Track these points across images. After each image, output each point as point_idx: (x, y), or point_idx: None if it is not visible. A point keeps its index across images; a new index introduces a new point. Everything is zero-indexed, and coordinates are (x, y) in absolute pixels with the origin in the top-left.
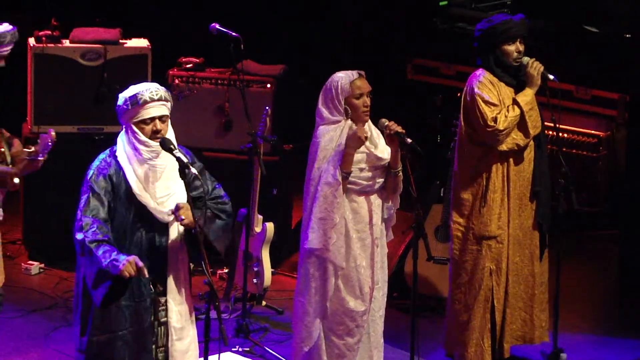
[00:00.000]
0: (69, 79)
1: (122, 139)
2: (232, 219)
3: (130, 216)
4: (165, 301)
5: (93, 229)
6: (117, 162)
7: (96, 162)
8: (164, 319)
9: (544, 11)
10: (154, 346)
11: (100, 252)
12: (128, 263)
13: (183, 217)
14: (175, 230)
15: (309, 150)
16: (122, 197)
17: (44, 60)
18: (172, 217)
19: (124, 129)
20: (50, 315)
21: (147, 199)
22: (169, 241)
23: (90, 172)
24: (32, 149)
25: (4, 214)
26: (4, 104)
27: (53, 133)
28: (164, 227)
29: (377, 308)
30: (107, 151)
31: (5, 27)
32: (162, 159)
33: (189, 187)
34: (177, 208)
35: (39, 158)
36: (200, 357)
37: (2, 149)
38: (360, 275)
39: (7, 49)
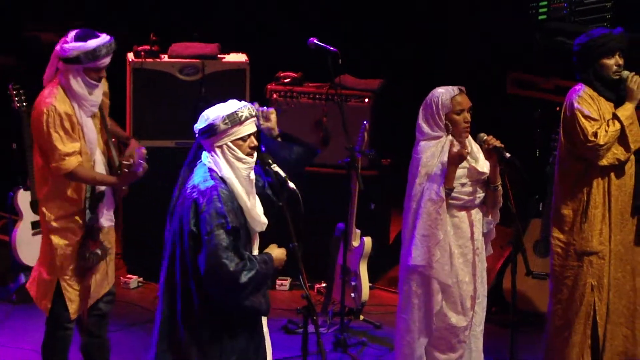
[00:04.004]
0: (167, 94)
1: (218, 160)
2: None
3: (243, 232)
4: None
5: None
6: (227, 186)
7: (214, 192)
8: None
9: None
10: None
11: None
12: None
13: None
14: (257, 240)
15: (410, 165)
16: (237, 217)
17: (143, 75)
18: (260, 229)
19: (214, 151)
20: (149, 329)
21: (255, 214)
22: (254, 249)
23: (219, 205)
24: (130, 161)
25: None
26: None
27: (144, 150)
28: (250, 238)
29: (478, 323)
30: (207, 175)
31: (100, 40)
32: (252, 173)
33: (287, 203)
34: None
35: (137, 171)
36: None
37: (112, 154)
38: (462, 291)
39: (105, 61)
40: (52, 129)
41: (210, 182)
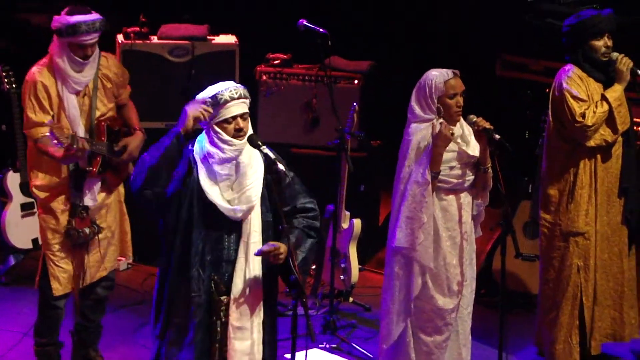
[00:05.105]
0: (156, 75)
1: (201, 139)
2: (319, 239)
3: (195, 211)
4: (229, 300)
5: None
6: (193, 156)
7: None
8: (224, 319)
9: (634, 6)
10: (217, 345)
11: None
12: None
13: (276, 258)
14: (248, 228)
15: (400, 147)
16: (190, 190)
17: (132, 56)
18: (240, 215)
19: (204, 131)
20: (138, 310)
21: (217, 197)
22: (241, 238)
23: (167, 140)
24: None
25: None
26: None
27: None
28: (236, 224)
29: (466, 305)
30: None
31: (84, 17)
32: (244, 155)
33: (277, 185)
34: (271, 253)
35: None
36: (287, 353)
37: (104, 139)
38: (449, 274)
39: (86, 39)
40: (27, 97)
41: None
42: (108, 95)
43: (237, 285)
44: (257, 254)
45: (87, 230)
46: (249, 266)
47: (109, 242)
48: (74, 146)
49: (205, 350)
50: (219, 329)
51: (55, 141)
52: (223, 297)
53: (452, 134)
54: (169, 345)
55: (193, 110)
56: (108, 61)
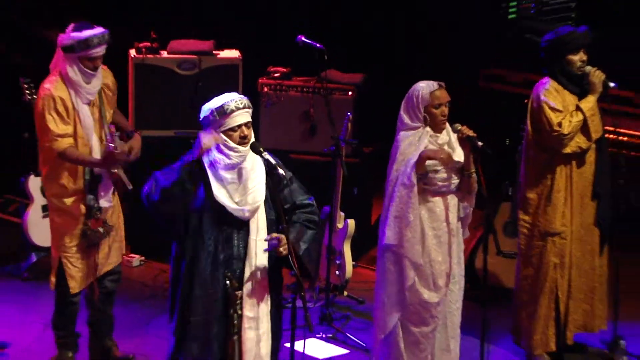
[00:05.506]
0: (166, 87)
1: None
2: (320, 230)
3: (205, 213)
4: (242, 294)
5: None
6: (202, 162)
7: (185, 158)
8: (240, 311)
9: (606, 22)
10: (236, 337)
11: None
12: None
13: (282, 250)
14: (255, 226)
15: (390, 153)
16: (199, 195)
17: (144, 69)
18: (248, 214)
19: None
20: (150, 304)
21: (226, 200)
22: (249, 237)
23: (179, 163)
24: (119, 149)
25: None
26: None
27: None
28: (243, 223)
29: (454, 300)
30: (189, 152)
31: (94, 31)
32: (247, 161)
33: (276, 188)
34: (275, 242)
35: (109, 150)
36: (287, 343)
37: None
38: (434, 270)
39: (97, 51)
40: (47, 111)
41: (189, 155)
42: (110, 102)
43: (248, 279)
44: (266, 250)
45: (101, 229)
46: (257, 261)
47: (113, 238)
48: (119, 149)
49: (220, 343)
50: (235, 322)
51: (112, 145)
52: (238, 292)
53: (446, 162)
54: (185, 342)
55: (207, 140)
56: (105, 72)
